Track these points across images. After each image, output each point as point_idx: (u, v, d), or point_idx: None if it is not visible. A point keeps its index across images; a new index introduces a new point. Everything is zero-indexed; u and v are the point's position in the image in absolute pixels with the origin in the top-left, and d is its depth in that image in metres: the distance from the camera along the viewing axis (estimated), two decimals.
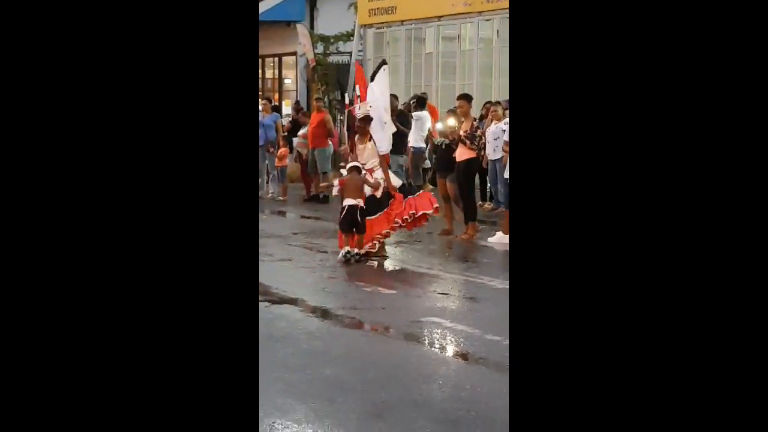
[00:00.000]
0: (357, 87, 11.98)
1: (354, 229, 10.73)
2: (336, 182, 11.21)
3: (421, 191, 11.38)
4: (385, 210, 10.94)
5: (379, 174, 11.00)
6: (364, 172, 10.92)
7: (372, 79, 11.51)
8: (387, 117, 11.20)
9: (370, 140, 11.15)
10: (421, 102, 15.51)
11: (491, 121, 13.88)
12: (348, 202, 10.77)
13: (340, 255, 10.63)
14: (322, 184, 12.39)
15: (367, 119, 11.15)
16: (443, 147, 12.93)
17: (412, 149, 15.23)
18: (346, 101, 11.97)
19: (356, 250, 10.64)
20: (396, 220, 10.95)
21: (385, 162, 11.17)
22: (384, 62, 12.04)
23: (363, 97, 11.49)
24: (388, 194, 11.00)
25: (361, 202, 10.78)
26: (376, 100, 11.28)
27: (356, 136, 11.30)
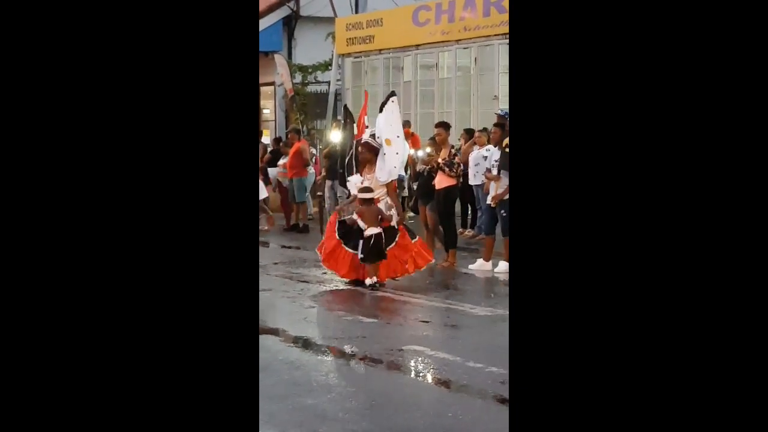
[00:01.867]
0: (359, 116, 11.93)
1: (379, 259, 10.80)
2: (355, 216, 11.06)
3: (416, 239, 11.33)
4: (395, 242, 10.93)
5: (383, 205, 10.97)
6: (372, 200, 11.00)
7: (381, 110, 11.46)
8: (387, 148, 11.12)
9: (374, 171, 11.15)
10: None
11: (471, 147, 13.95)
12: (371, 231, 10.77)
13: (368, 284, 10.70)
14: (338, 207, 12.09)
15: (373, 150, 11.17)
16: (425, 175, 12.94)
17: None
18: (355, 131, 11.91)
19: (375, 279, 10.74)
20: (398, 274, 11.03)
21: (392, 191, 11.15)
22: (392, 93, 12.05)
23: (360, 127, 11.55)
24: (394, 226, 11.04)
25: (380, 230, 10.83)
26: (380, 130, 11.26)
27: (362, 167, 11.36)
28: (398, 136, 11.24)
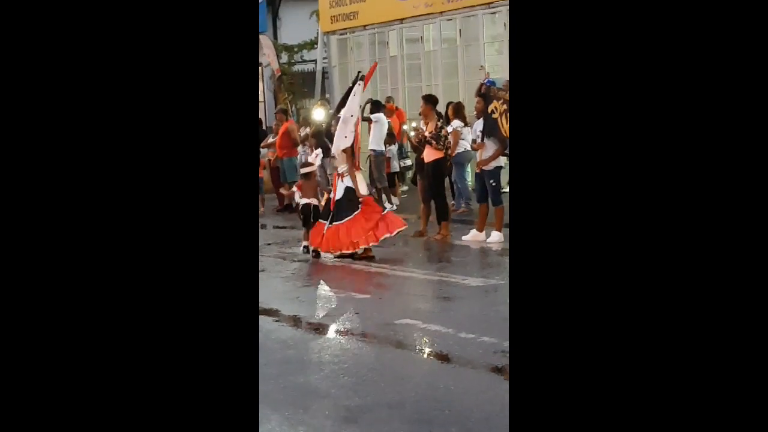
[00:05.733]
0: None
1: (307, 225, 11.66)
2: (295, 188, 12.08)
3: (386, 211, 11.68)
4: (357, 213, 11.07)
5: (347, 181, 11.16)
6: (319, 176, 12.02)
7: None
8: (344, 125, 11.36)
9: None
10: (376, 105, 15.53)
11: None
12: (303, 200, 11.73)
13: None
14: (285, 193, 13.29)
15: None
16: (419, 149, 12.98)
17: (372, 152, 15.22)
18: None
19: (306, 244, 11.67)
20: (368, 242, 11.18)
21: (353, 168, 11.30)
22: (358, 73, 12.17)
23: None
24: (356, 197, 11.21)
25: (315, 201, 11.66)
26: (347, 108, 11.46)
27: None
28: (351, 116, 11.46)
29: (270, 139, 17.83)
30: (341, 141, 11.33)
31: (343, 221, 11.15)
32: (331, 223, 11.23)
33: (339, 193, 11.29)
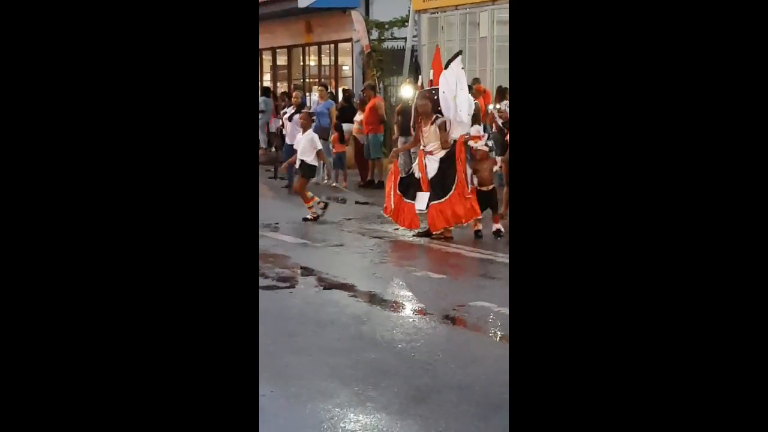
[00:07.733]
0: (432, 71, 11.99)
1: None
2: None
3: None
4: (452, 192, 11.11)
5: (438, 157, 11.16)
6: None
7: (446, 67, 11.53)
8: (453, 104, 11.23)
9: (433, 123, 11.26)
10: None
11: None
12: None
13: None
14: None
15: (434, 102, 11.34)
16: (502, 130, 12.90)
17: None
18: (419, 83, 12.14)
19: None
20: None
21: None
22: (459, 52, 12.10)
23: (435, 81, 11.60)
24: (452, 177, 11.22)
25: None
26: (448, 86, 11.35)
27: (420, 118, 11.51)
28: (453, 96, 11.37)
29: (357, 116, 17.85)
30: (455, 130, 11.33)
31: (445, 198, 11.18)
32: (430, 202, 11.22)
33: (433, 171, 11.29)
